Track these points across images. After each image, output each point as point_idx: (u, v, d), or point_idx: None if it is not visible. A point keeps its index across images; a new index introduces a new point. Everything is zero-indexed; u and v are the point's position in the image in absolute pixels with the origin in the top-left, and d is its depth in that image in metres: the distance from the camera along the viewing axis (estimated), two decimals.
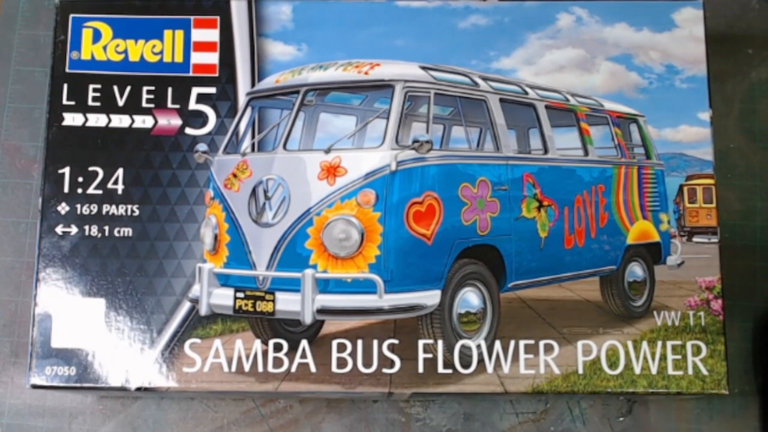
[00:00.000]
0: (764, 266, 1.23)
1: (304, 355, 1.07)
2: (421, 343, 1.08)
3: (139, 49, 1.14)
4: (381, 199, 1.06)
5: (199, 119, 1.13)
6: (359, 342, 1.07)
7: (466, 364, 1.07)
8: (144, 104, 1.13)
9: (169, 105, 1.13)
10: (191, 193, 1.12)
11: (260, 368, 1.07)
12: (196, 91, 1.13)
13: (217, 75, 1.14)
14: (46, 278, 1.08)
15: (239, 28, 1.15)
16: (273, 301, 1.07)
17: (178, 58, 1.14)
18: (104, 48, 1.14)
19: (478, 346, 1.08)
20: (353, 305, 1.06)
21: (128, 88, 1.13)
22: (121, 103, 1.13)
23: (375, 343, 1.07)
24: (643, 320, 1.13)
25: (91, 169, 1.11)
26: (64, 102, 1.12)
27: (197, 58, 1.14)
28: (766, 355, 1.19)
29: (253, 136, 1.16)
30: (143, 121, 1.12)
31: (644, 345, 1.08)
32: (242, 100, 1.15)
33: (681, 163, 1.18)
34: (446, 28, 1.16)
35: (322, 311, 1.05)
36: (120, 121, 1.12)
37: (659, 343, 1.08)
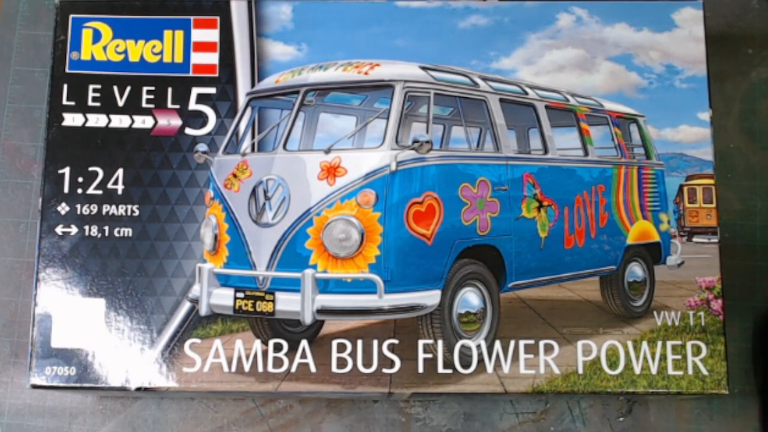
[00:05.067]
0: (764, 266, 1.23)
1: (304, 355, 1.07)
2: (421, 343, 1.08)
3: (139, 50, 1.14)
4: (381, 199, 1.06)
5: (199, 119, 1.13)
6: (359, 342, 1.07)
7: (466, 364, 1.07)
8: (144, 104, 1.13)
9: (169, 105, 1.13)
10: (191, 193, 1.12)
11: (260, 368, 1.07)
12: (196, 91, 1.13)
13: (217, 75, 1.14)
14: (46, 278, 1.09)
15: (239, 28, 1.15)
16: (273, 301, 1.07)
17: (178, 58, 1.14)
18: (104, 48, 1.14)
19: (478, 346, 1.08)
20: (353, 305, 1.06)
21: (128, 89, 1.13)
22: (121, 103, 1.13)
23: (375, 343, 1.07)
24: (643, 320, 1.13)
25: (91, 169, 1.11)
26: (64, 102, 1.12)
27: (197, 58, 1.14)
28: (766, 355, 1.19)
29: (253, 137, 1.16)
30: (143, 122, 1.12)
31: (644, 345, 1.08)
32: (242, 100, 1.15)
33: (681, 163, 1.18)
34: (446, 28, 1.16)
35: (322, 311, 1.05)
36: (120, 121, 1.12)
37: (659, 343, 1.08)
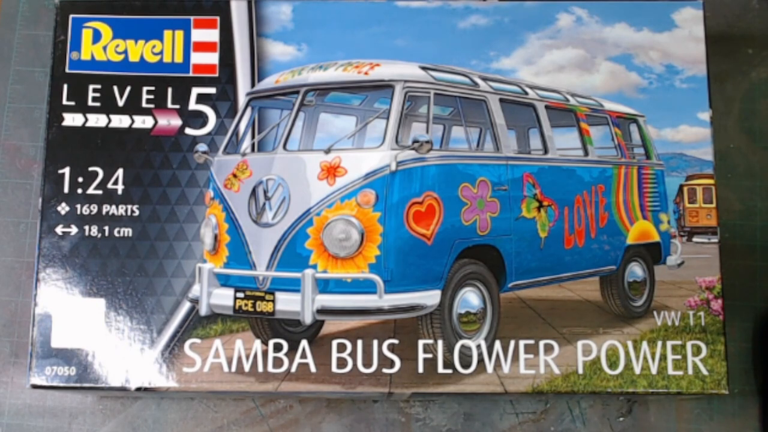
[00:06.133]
0: (764, 266, 1.23)
1: (304, 355, 1.07)
2: (421, 343, 1.08)
3: (139, 50, 1.14)
4: (381, 199, 1.06)
5: (199, 119, 1.13)
6: (359, 342, 1.07)
7: (466, 364, 1.07)
8: (144, 104, 1.13)
9: (169, 105, 1.13)
10: (191, 193, 1.12)
11: (260, 368, 1.07)
12: (196, 91, 1.13)
13: (217, 75, 1.14)
14: (46, 278, 1.09)
15: (239, 28, 1.15)
16: (273, 301, 1.07)
17: (178, 58, 1.14)
18: (104, 48, 1.14)
19: (478, 346, 1.08)
20: (353, 305, 1.06)
21: (128, 89, 1.13)
22: (121, 103, 1.13)
23: (375, 343, 1.07)
24: (643, 320, 1.13)
25: (91, 169, 1.11)
26: (64, 102, 1.12)
27: (197, 58, 1.14)
28: (766, 355, 1.19)
29: (253, 137, 1.16)
30: (143, 122, 1.12)
31: (644, 345, 1.08)
32: (242, 100, 1.15)
33: (681, 163, 1.18)
34: (446, 28, 1.16)
35: (322, 311, 1.05)
36: (120, 121, 1.12)
37: (659, 343, 1.08)
